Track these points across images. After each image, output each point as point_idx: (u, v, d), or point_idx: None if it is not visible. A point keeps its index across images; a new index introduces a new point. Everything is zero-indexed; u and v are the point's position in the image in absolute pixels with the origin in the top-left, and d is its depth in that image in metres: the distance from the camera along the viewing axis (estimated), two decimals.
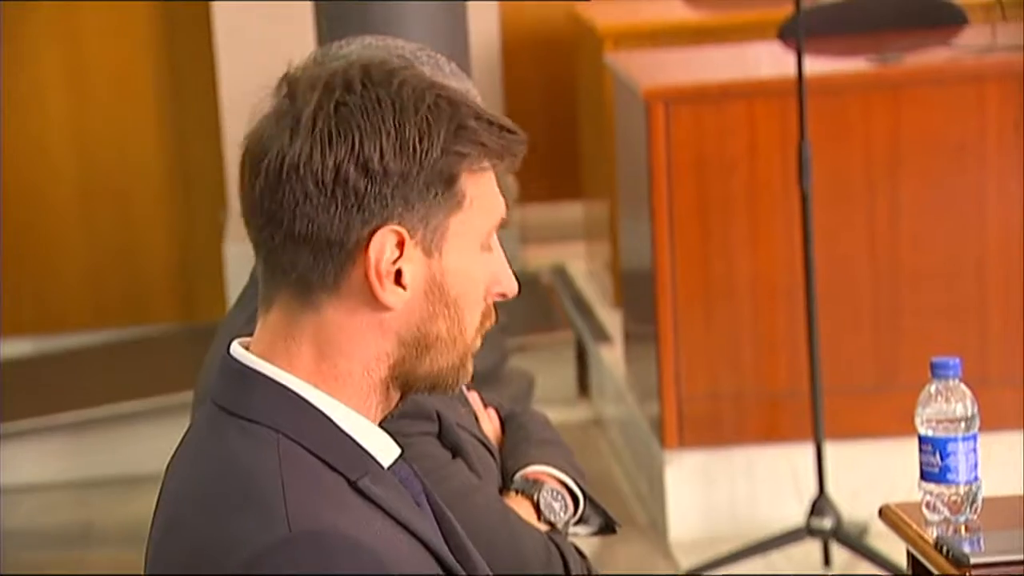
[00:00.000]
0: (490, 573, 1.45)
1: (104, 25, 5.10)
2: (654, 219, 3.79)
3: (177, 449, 1.47)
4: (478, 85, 1.98)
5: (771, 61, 3.98)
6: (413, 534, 1.38)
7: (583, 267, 5.02)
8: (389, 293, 1.37)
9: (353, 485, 1.37)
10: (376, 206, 1.36)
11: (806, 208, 3.61)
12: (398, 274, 1.38)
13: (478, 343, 1.44)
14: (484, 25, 4.85)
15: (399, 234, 1.37)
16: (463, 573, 1.41)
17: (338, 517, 1.34)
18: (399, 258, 1.37)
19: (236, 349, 1.42)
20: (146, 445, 4.31)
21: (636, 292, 4.14)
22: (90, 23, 5.09)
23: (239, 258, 4.72)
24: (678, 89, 3.83)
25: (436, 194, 1.37)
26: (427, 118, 1.37)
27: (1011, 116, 3.75)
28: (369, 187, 1.36)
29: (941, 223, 3.79)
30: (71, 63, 5.14)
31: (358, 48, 1.83)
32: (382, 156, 1.35)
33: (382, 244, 1.36)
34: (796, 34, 3.58)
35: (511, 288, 1.43)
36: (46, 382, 4.79)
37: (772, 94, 3.75)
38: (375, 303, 1.37)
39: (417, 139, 1.36)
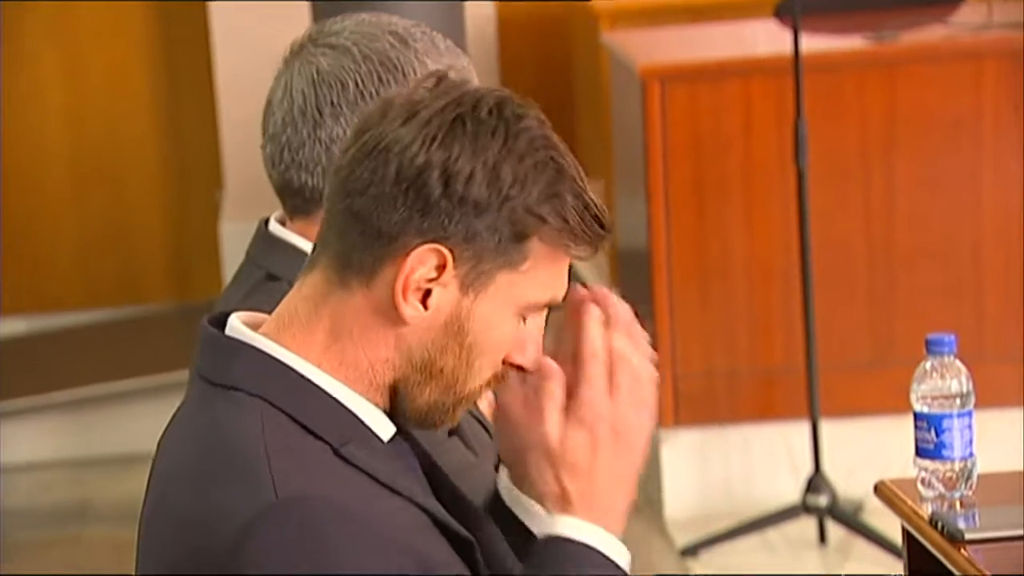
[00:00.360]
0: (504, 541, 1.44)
1: (99, 7, 5.09)
2: (650, 198, 3.79)
3: (168, 426, 1.47)
4: (474, 64, 1.97)
5: (767, 39, 3.98)
6: (404, 497, 1.38)
7: None
8: (409, 306, 1.37)
9: (337, 452, 1.37)
10: (438, 221, 1.35)
11: (802, 186, 3.61)
12: (427, 295, 1.37)
13: (479, 399, 1.43)
14: (480, 4, 4.84)
15: (443, 257, 1.36)
16: (466, 533, 1.41)
17: (324, 483, 1.35)
18: (434, 280, 1.37)
19: (233, 323, 1.42)
20: (141, 424, 4.31)
21: (632, 271, 4.14)
22: (86, 6, 5.09)
23: (235, 237, 4.72)
24: (674, 68, 3.83)
25: (499, 241, 1.36)
26: (528, 170, 1.36)
27: (1007, 94, 3.75)
28: (441, 201, 1.35)
29: (937, 201, 3.79)
30: (66, 46, 5.13)
31: (352, 25, 1.82)
32: (468, 180, 1.35)
33: (423, 259, 1.36)
34: (792, 12, 3.57)
35: (529, 363, 1.41)
36: (41, 361, 4.79)
37: (768, 72, 3.75)
38: (393, 311, 1.37)
39: (509, 183, 1.35)
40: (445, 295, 1.37)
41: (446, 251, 1.36)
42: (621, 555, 1.41)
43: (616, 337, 1.41)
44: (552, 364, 1.39)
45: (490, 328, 1.39)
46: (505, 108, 1.38)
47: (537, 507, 1.41)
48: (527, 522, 1.42)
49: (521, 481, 1.43)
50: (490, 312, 1.38)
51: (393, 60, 1.79)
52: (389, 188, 1.36)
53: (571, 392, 1.40)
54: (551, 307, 1.42)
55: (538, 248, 1.38)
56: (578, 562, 1.39)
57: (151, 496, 1.44)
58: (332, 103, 1.78)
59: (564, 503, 1.40)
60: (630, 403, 1.40)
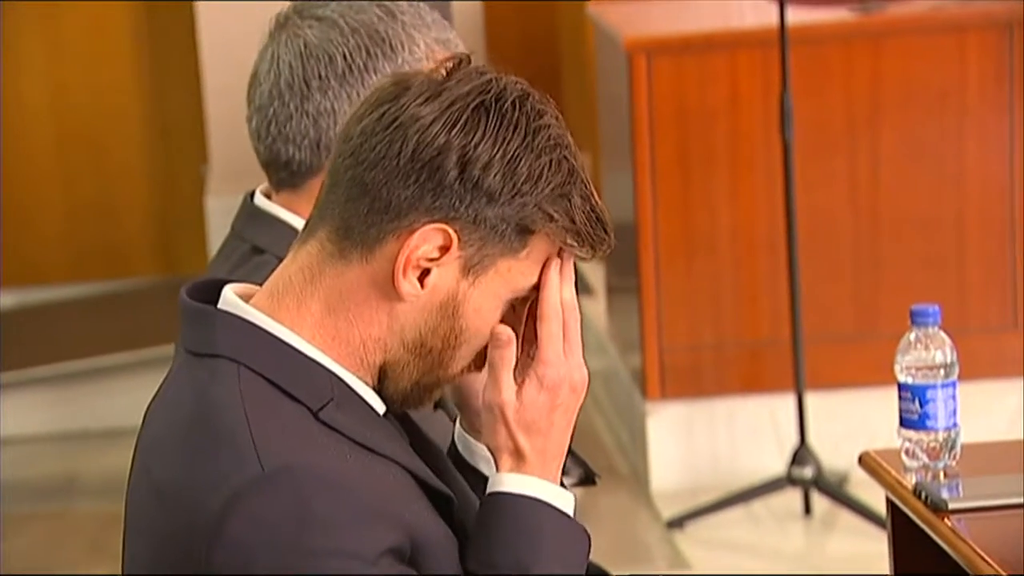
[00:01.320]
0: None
1: None
2: (636, 171, 3.79)
3: (152, 399, 1.48)
4: (459, 36, 1.97)
5: (753, 11, 3.97)
6: (387, 458, 1.39)
7: None
8: (407, 283, 1.38)
9: (316, 416, 1.38)
10: (448, 203, 1.37)
11: (788, 158, 3.61)
12: (425, 273, 1.38)
13: (453, 382, 1.45)
14: None
15: (448, 238, 1.38)
16: (447, 490, 1.43)
17: (306, 449, 1.35)
18: (435, 260, 1.38)
19: (227, 295, 1.42)
20: (128, 398, 4.31)
21: (618, 244, 4.13)
22: None
23: (220, 211, 4.71)
24: (660, 40, 3.82)
25: (505, 230, 1.38)
26: (544, 167, 1.38)
27: (992, 66, 3.75)
28: (455, 184, 1.37)
29: (921, 172, 3.80)
30: (46, 12, 5.10)
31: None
32: (486, 168, 1.37)
33: (428, 237, 1.37)
34: None
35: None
36: (27, 335, 4.78)
37: (754, 44, 3.75)
38: (390, 286, 1.38)
39: (524, 178, 1.38)
40: (444, 276, 1.39)
41: (453, 233, 1.38)
42: (568, 503, 1.44)
43: (568, 290, 1.44)
44: (503, 331, 1.41)
45: (481, 312, 1.40)
46: (527, 103, 1.40)
47: (489, 457, 1.44)
48: (481, 467, 1.46)
49: (478, 437, 1.46)
50: (484, 297, 1.40)
51: (381, 33, 1.79)
52: (404, 164, 1.37)
53: (530, 349, 1.43)
54: (534, 289, 1.44)
55: (540, 241, 1.41)
56: (539, 518, 1.41)
57: (136, 469, 1.45)
58: (320, 76, 1.78)
59: (519, 460, 1.42)
60: (580, 356, 1.44)
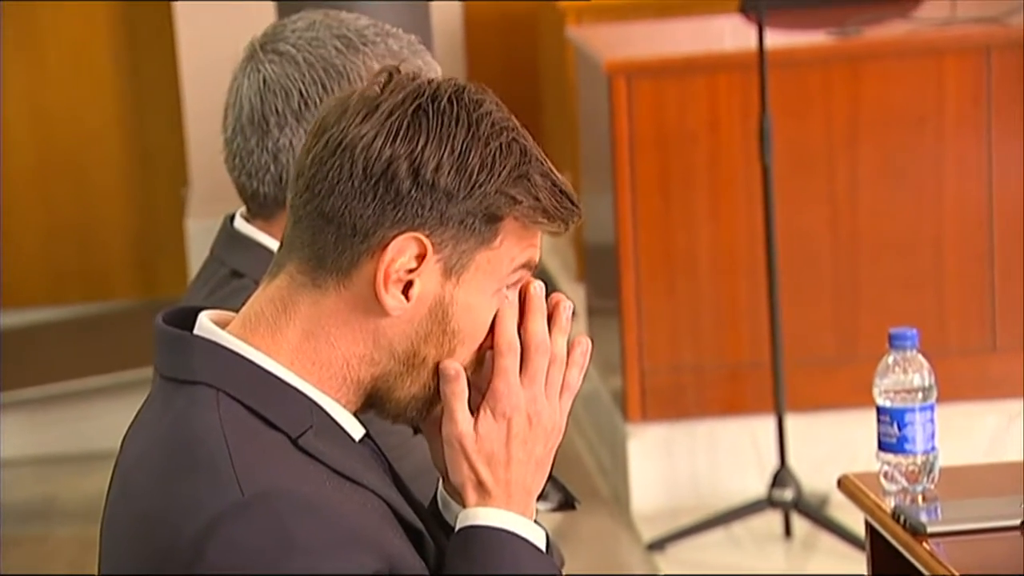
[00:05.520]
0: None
1: (64, 4, 5.06)
2: (616, 193, 3.80)
3: (131, 424, 1.47)
4: (440, 60, 1.97)
5: (733, 35, 3.99)
6: (365, 487, 1.39)
7: (546, 241, 5.01)
8: (391, 297, 1.38)
9: (295, 443, 1.38)
10: (411, 211, 1.37)
11: (767, 181, 3.62)
12: (408, 286, 1.38)
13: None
14: (446, 3, 4.84)
15: (422, 245, 1.37)
16: (419, 526, 1.42)
17: (285, 475, 1.35)
18: (414, 270, 1.38)
19: (203, 321, 1.42)
20: (107, 421, 4.30)
21: (599, 266, 4.15)
22: (49, 3, 5.05)
23: (201, 234, 4.70)
24: (640, 63, 3.84)
25: (474, 224, 1.38)
26: (495, 153, 1.38)
27: (970, 89, 3.77)
28: (412, 191, 1.36)
29: (900, 195, 3.81)
30: (27, 35, 5.10)
31: (302, 28, 1.82)
32: (437, 168, 1.37)
33: (401, 248, 1.37)
34: (757, 8, 3.59)
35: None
36: (5, 358, 4.77)
37: (733, 67, 3.76)
38: (375, 304, 1.38)
39: (477, 168, 1.37)
40: (427, 283, 1.38)
41: (424, 239, 1.37)
42: (539, 537, 1.43)
43: (533, 322, 1.43)
44: (451, 366, 1.40)
45: (471, 311, 1.40)
46: (463, 95, 1.39)
47: (459, 505, 1.43)
48: (448, 517, 1.45)
49: (444, 477, 1.45)
50: (471, 295, 1.40)
51: (338, 67, 1.79)
52: (359, 184, 1.37)
53: (487, 379, 1.42)
54: (530, 269, 1.43)
55: (511, 225, 1.40)
56: (506, 549, 1.40)
57: (113, 494, 1.44)
58: (277, 111, 1.79)
59: (483, 493, 1.42)
60: (545, 388, 1.43)
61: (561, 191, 1.40)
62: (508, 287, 1.42)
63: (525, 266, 1.42)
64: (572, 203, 1.41)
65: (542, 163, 1.40)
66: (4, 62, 5.08)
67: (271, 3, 3.57)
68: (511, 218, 1.39)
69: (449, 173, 1.37)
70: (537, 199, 1.39)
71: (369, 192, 1.37)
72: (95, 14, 5.10)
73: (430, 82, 1.40)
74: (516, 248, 1.41)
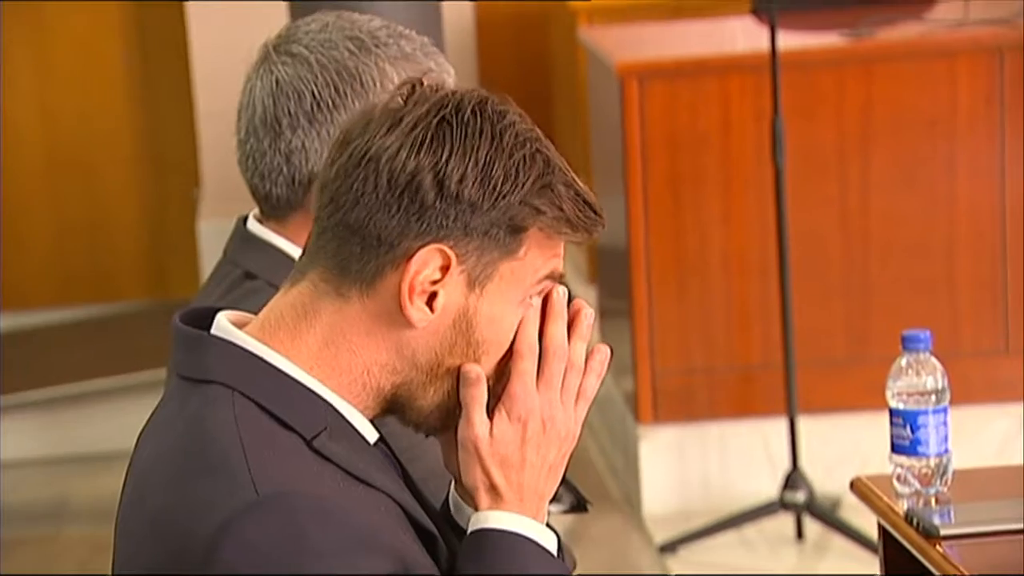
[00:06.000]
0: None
1: (74, 3, 5.07)
2: (628, 195, 3.80)
3: (145, 425, 1.47)
4: (452, 61, 1.97)
5: (745, 36, 3.98)
6: (378, 489, 1.39)
7: None
8: (415, 309, 1.38)
9: (309, 444, 1.38)
10: (436, 222, 1.37)
11: (779, 183, 3.62)
12: (432, 297, 1.39)
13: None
14: (458, 3, 4.84)
15: (446, 256, 1.38)
16: (432, 528, 1.42)
17: (300, 476, 1.35)
18: (439, 281, 1.38)
19: (221, 321, 1.43)
20: (118, 422, 4.31)
21: (610, 268, 4.14)
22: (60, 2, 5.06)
23: (212, 235, 4.71)
24: (652, 64, 3.84)
25: (498, 234, 1.38)
26: (518, 165, 1.38)
27: (982, 90, 3.76)
28: (437, 203, 1.37)
29: (912, 197, 3.80)
30: (37, 35, 5.10)
31: (316, 30, 1.82)
32: (461, 180, 1.37)
33: (426, 260, 1.38)
34: (769, 9, 3.58)
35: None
36: (16, 359, 4.77)
37: (746, 69, 3.76)
38: (399, 315, 1.38)
39: (501, 180, 1.38)
40: (452, 295, 1.39)
41: (448, 250, 1.38)
42: (550, 541, 1.44)
43: (552, 328, 1.43)
44: (472, 370, 1.41)
45: (495, 321, 1.40)
46: (487, 107, 1.40)
47: (472, 508, 1.43)
48: (460, 520, 1.45)
49: (457, 480, 1.45)
50: (495, 305, 1.40)
51: (350, 69, 1.79)
52: (383, 196, 1.38)
53: (505, 386, 1.43)
54: (554, 279, 1.44)
55: (534, 236, 1.41)
56: (517, 552, 1.41)
57: (128, 494, 1.44)
58: (289, 113, 1.79)
59: (495, 497, 1.42)
60: (561, 394, 1.43)
61: (585, 201, 1.41)
62: (532, 297, 1.43)
63: (549, 277, 1.43)
64: (596, 213, 1.42)
65: (565, 173, 1.41)
66: (14, 62, 5.08)
67: (283, 3, 3.57)
68: (535, 229, 1.40)
69: (473, 184, 1.37)
70: (561, 209, 1.40)
71: (394, 203, 1.37)
72: (106, 14, 5.10)
73: (453, 93, 1.41)
74: (540, 259, 1.41)
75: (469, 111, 1.39)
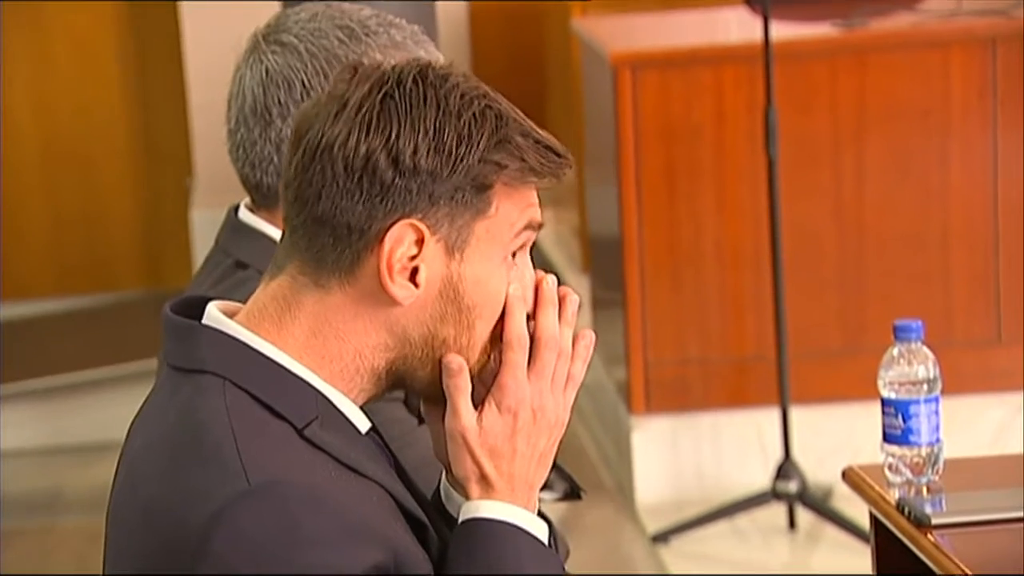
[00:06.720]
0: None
1: None
2: (621, 185, 3.80)
3: (137, 414, 1.47)
4: (445, 51, 1.97)
5: (738, 27, 3.98)
6: (367, 478, 1.39)
7: (551, 233, 5.03)
8: (398, 287, 1.38)
9: (301, 433, 1.38)
10: (400, 199, 1.37)
11: (772, 173, 3.62)
12: (414, 272, 1.38)
13: (482, 366, 1.43)
14: None
15: (419, 230, 1.37)
16: (423, 517, 1.43)
17: (292, 465, 1.35)
18: (416, 255, 1.38)
19: (211, 311, 1.43)
20: (113, 412, 4.30)
21: (604, 258, 4.14)
22: None
23: (205, 225, 4.71)
24: (645, 55, 3.84)
25: (464, 197, 1.38)
26: (469, 124, 1.37)
27: (976, 81, 3.76)
28: (396, 179, 1.36)
29: (906, 188, 3.81)
30: (33, 28, 5.10)
31: (305, 19, 1.82)
32: (415, 151, 1.37)
33: (399, 236, 1.37)
34: (763, 0, 3.59)
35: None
36: (11, 349, 4.77)
37: (739, 60, 3.76)
38: (383, 295, 1.38)
39: (455, 143, 1.37)
40: (433, 266, 1.38)
41: (419, 223, 1.37)
42: (541, 530, 1.44)
43: (544, 317, 1.43)
44: (454, 360, 1.41)
45: (482, 283, 1.40)
46: (427, 74, 1.40)
47: (462, 497, 1.43)
48: (451, 509, 1.45)
49: (448, 469, 1.45)
50: (479, 266, 1.40)
51: (340, 57, 1.79)
52: (343, 184, 1.37)
53: (495, 376, 1.43)
54: (534, 229, 1.43)
55: (503, 191, 1.40)
56: (508, 542, 1.41)
57: (119, 484, 1.44)
58: (279, 102, 1.79)
59: (486, 487, 1.42)
60: (552, 383, 1.43)
61: (545, 146, 1.40)
62: (516, 252, 1.42)
63: (528, 227, 1.42)
64: (559, 155, 1.41)
65: (520, 123, 1.40)
66: (11, 56, 5.08)
67: (277, 2, 3.57)
68: (500, 183, 1.39)
69: (428, 154, 1.37)
70: (523, 160, 1.39)
71: (355, 189, 1.37)
72: (101, 7, 5.10)
73: (393, 68, 1.40)
74: (514, 211, 1.40)
75: (410, 82, 1.38)
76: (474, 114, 1.38)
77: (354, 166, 1.37)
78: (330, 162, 1.38)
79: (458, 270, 1.39)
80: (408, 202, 1.37)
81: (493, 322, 1.41)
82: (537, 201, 1.43)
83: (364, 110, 1.38)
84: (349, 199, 1.37)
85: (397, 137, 1.37)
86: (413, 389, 1.43)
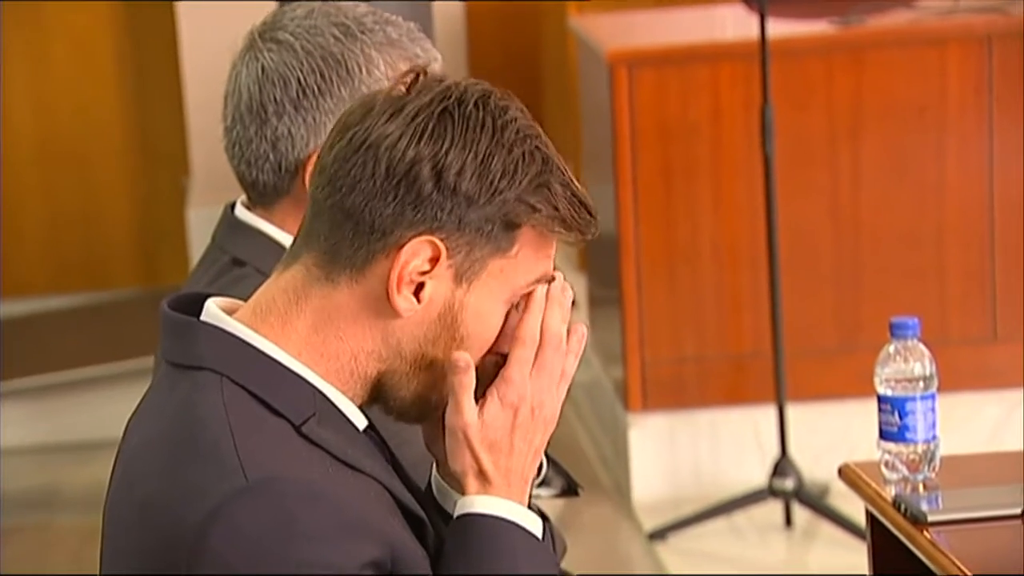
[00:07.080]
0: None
1: None
2: (618, 183, 3.80)
3: (134, 411, 1.48)
4: (441, 48, 1.97)
5: (735, 24, 3.99)
6: (364, 474, 1.40)
7: None
8: (402, 299, 1.39)
9: (298, 430, 1.38)
10: (430, 213, 1.38)
11: (769, 171, 3.62)
12: (420, 287, 1.39)
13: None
14: None
15: (436, 248, 1.38)
16: (421, 513, 1.43)
17: (289, 462, 1.36)
18: (427, 272, 1.39)
19: (210, 308, 1.43)
20: (109, 409, 4.30)
21: (600, 256, 4.15)
22: None
23: (202, 223, 4.71)
24: (642, 52, 3.84)
25: (491, 230, 1.39)
26: (517, 161, 1.39)
27: (972, 78, 3.77)
28: (433, 193, 1.37)
29: (902, 185, 3.81)
30: (32, 28, 5.10)
31: (301, 16, 1.82)
32: (460, 172, 1.38)
33: (416, 250, 1.38)
34: None
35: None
36: (8, 346, 4.77)
37: (736, 57, 3.76)
38: (386, 303, 1.39)
39: (499, 174, 1.38)
40: (439, 287, 1.39)
41: (439, 242, 1.38)
42: (535, 525, 1.44)
43: (551, 316, 1.45)
44: (462, 357, 1.41)
45: (481, 317, 1.41)
46: (489, 101, 1.41)
47: (457, 492, 1.44)
48: (448, 507, 1.45)
49: (444, 464, 1.46)
50: (482, 301, 1.41)
51: (336, 55, 1.79)
52: (380, 183, 1.38)
53: (499, 370, 1.44)
54: (545, 282, 1.44)
55: (527, 234, 1.41)
56: (503, 539, 1.41)
57: (117, 481, 1.44)
58: (275, 100, 1.79)
59: (483, 481, 1.43)
60: (550, 380, 1.45)
61: (580, 202, 1.42)
62: (517, 303, 1.43)
63: (539, 280, 1.43)
64: (590, 214, 1.42)
65: (563, 173, 1.42)
66: (8, 55, 5.08)
67: (273, 2, 3.57)
68: (528, 226, 1.40)
69: (471, 178, 1.38)
70: (556, 208, 1.40)
71: (391, 191, 1.38)
72: (99, 7, 5.11)
73: (457, 85, 1.41)
74: (532, 259, 1.42)
75: (472, 104, 1.39)
76: (524, 152, 1.40)
77: (397, 169, 1.38)
78: (374, 159, 1.38)
79: (462, 299, 1.40)
80: (437, 219, 1.38)
81: (481, 356, 1.42)
82: (553, 255, 1.44)
83: (421, 118, 1.39)
84: (382, 199, 1.38)
85: (446, 153, 1.38)
86: (390, 406, 1.44)
